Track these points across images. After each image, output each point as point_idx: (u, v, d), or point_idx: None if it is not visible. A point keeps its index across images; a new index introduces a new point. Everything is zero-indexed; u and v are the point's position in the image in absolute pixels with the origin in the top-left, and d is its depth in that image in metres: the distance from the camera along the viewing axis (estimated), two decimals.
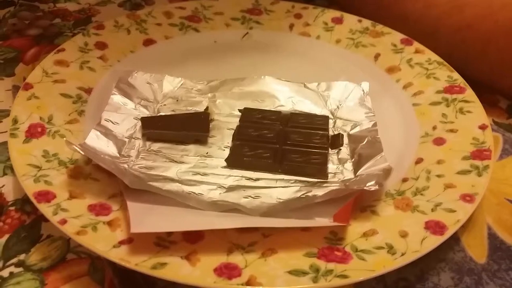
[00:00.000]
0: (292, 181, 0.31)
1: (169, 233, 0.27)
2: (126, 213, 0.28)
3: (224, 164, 0.32)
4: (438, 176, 0.31)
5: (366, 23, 0.43)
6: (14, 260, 0.28)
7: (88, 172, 0.30)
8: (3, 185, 0.32)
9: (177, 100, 0.37)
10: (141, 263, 0.25)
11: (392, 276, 0.28)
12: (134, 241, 0.26)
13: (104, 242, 0.26)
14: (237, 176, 0.31)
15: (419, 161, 0.32)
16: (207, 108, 0.36)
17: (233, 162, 0.32)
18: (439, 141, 0.34)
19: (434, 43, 0.41)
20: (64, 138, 0.31)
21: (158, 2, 0.49)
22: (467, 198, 0.29)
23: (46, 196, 0.28)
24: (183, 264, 0.26)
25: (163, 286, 0.27)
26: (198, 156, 0.32)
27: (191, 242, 0.27)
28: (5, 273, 0.28)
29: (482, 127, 0.34)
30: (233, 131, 0.34)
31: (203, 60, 0.41)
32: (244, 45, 0.43)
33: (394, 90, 0.38)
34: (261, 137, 0.33)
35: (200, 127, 0.34)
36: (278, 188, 0.30)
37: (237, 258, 0.26)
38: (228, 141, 0.33)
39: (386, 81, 0.39)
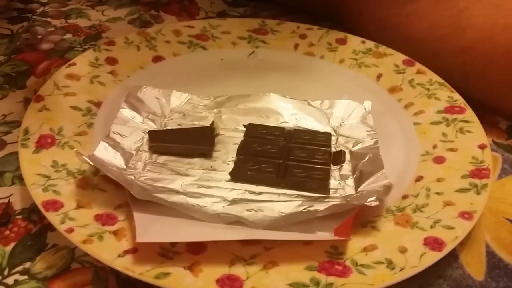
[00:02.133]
0: (294, 196, 0.31)
1: (173, 244, 0.27)
2: (131, 223, 0.28)
3: (228, 177, 0.32)
4: (438, 193, 0.31)
5: (369, 44, 0.44)
6: (19, 268, 0.28)
7: (96, 182, 0.31)
8: (11, 194, 0.33)
9: (184, 115, 0.37)
10: (145, 273, 0.26)
11: None
12: (139, 251, 0.27)
13: (110, 251, 0.27)
14: (240, 189, 0.32)
15: (419, 178, 0.33)
16: (212, 123, 0.37)
17: (237, 176, 0.32)
18: (439, 160, 0.34)
19: (436, 63, 0.41)
20: (74, 149, 0.32)
21: (167, 20, 0.50)
22: (466, 215, 0.30)
23: (54, 205, 0.29)
24: (186, 274, 0.26)
25: None
26: (202, 169, 0.33)
27: (194, 253, 0.27)
28: (10, 280, 0.28)
29: (481, 147, 0.34)
30: (238, 145, 0.35)
31: (210, 77, 0.41)
32: (250, 63, 0.44)
33: (396, 109, 0.39)
34: (265, 152, 0.34)
35: (205, 141, 0.34)
36: (281, 202, 0.31)
37: (239, 270, 0.27)
38: (233, 155, 0.34)
39: (388, 101, 0.40)
